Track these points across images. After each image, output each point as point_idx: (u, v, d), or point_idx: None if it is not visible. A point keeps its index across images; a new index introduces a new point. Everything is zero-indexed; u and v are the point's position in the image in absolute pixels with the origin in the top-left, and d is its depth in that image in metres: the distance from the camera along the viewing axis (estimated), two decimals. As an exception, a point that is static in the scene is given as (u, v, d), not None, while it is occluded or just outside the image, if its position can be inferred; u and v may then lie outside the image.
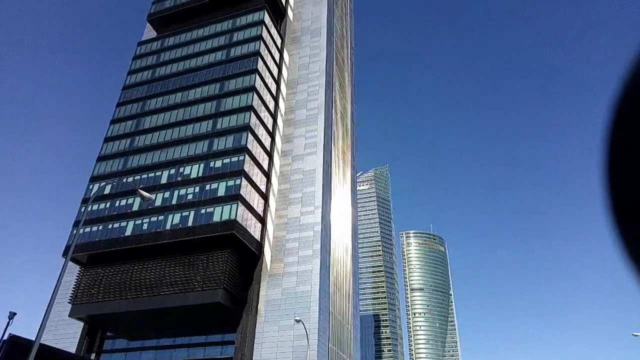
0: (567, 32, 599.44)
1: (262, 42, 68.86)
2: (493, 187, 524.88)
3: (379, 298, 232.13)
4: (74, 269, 58.77)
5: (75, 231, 58.31)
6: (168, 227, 55.52)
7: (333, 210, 66.51)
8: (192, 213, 55.55)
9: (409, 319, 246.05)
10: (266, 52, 69.94)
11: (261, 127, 64.39)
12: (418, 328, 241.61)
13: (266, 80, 68.32)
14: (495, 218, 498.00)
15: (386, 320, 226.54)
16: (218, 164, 58.79)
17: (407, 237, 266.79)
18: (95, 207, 60.41)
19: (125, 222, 57.91)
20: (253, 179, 59.43)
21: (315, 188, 62.04)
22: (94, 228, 58.88)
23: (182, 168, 60.05)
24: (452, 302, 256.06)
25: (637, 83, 1.57)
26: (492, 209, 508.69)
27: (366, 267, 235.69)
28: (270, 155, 65.66)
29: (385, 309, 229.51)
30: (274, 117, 69.16)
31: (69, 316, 56.29)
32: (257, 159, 61.53)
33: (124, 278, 55.68)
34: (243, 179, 56.69)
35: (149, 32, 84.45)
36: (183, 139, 62.88)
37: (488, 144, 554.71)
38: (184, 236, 54.20)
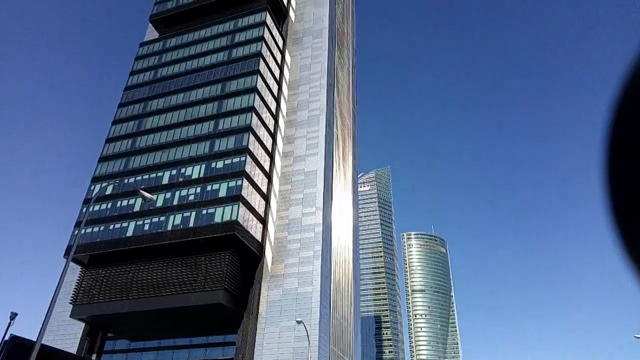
0: (567, 32, 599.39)
1: (264, 43, 68.93)
2: (494, 188, 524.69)
3: (380, 299, 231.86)
4: (75, 270, 58.85)
5: (76, 231, 58.38)
6: (169, 227, 55.56)
7: (334, 212, 66.50)
8: (194, 214, 55.58)
9: (410, 320, 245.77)
10: (268, 53, 70.02)
11: (263, 128, 64.43)
12: (419, 329, 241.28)
13: (268, 81, 68.38)
14: (496, 219, 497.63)
15: (387, 322, 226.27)
16: (219, 164, 58.84)
17: (408, 238, 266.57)
18: (96, 207, 60.48)
19: (127, 223, 57.96)
20: (254, 179, 59.45)
21: (316, 189, 62.03)
22: (96, 228, 58.95)
23: (184, 169, 60.10)
24: (453, 304, 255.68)
25: (637, 83, 1.56)
26: (493, 209, 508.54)
27: (367, 269, 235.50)
28: (271, 156, 65.68)
29: (386, 310, 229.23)
30: (275, 118, 69.21)
31: (70, 317, 56.34)
32: (259, 160, 61.56)
33: (125, 279, 55.73)
34: (244, 179, 56.72)
35: (151, 33, 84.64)
36: (185, 140, 62.95)
37: (489, 144, 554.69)
38: (185, 237, 54.23)
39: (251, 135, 60.42)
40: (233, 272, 53.40)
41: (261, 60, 67.15)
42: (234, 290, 53.14)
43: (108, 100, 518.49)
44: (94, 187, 62.66)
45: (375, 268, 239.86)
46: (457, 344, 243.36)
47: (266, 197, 62.12)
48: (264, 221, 60.14)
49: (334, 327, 57.81)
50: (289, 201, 62.61)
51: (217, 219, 54.14)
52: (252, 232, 56.44)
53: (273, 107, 69.15)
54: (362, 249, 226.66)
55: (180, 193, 58.11)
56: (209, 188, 57.19)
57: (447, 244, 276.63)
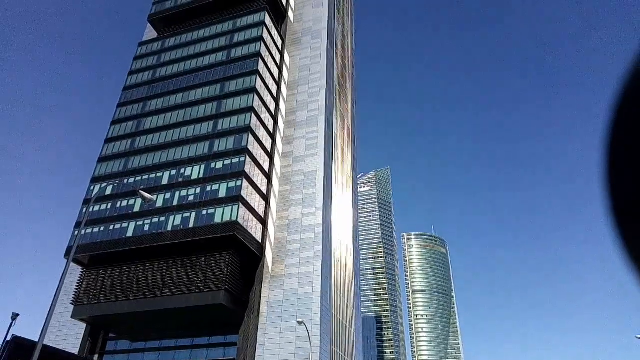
0: (567, 32, 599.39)
1: (262, 43, 68.91)
2: (494, 188, 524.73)
3: (380, 300, 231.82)
4: (75, 270, 58.82)
5: (77, 232, 58.36)
6: (169, 228, 55.55)
7: (334, 212, 66.48)
8: (193, 214, 55.57)
9: (411, 320, 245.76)
10: (267, 53, 70.00)
11: (262, 129, 64.42)
12: (420, 330, 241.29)
13: (267, 82, 68.37)
14: (497, 219, 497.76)
15: (388, 322, 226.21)
16: (219, 165, 58.83)
17: (408, 238, 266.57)
18: (96, 208, 60.46)
19: (127, 223, 57.95)
20: (254, 180, 59.44)
21: (316, 189, 62.01)
22: (96, 229, 58.94)
23: (183, 169, 60.09)
24: (454, 304, 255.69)
25: (637, 83, 1.57)
26: (493, 210, 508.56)
27: (367, 269, 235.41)
28: (271, 156, 65.67)
29: (387, 310, 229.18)
30: (274, 118, 69.20)
31: (72, 317, 56.34)
32: (258, 160, 61.55)
33: (125, 279, 55.72)
34: (244, 180, 56.71)
35: (150, 33, 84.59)
36: (184, 140, 62.94)
37: (489, 144, 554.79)
38: (185, 237, 54.22)
39: (250, 135, 60.40)
40: (233, 272, 53.39)
41: (260, 61, 67.13)
42: (235, 291, 53.13)
43: (107, 100, 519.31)
44: (94, 188, 62.63)
45: (376, 269, 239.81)
46: (459, 344, 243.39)
47: (266, 198, 62.11)
48: (264, 222, 60.14)
49: (334, 327, 57.80)
50: (289, 202, 62.59)
51: (217, 219, 54.12)
52: (252, 232, 56.43)
53: (272, 107, 69.14)
54: (363, 249, 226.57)
55: (180, 193, 58.10)
56: (208, 188, 57.17)
57: (448, 245, 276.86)
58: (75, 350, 55.64)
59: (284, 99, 72.68)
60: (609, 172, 1.65)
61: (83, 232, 57.80)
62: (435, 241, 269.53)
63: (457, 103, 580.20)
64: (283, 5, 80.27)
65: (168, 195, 58.32)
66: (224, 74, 67.58)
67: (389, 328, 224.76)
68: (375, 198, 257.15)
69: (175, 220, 56.00)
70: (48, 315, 18.20)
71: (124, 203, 59.90)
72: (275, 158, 66.15)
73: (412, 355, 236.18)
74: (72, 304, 56.36)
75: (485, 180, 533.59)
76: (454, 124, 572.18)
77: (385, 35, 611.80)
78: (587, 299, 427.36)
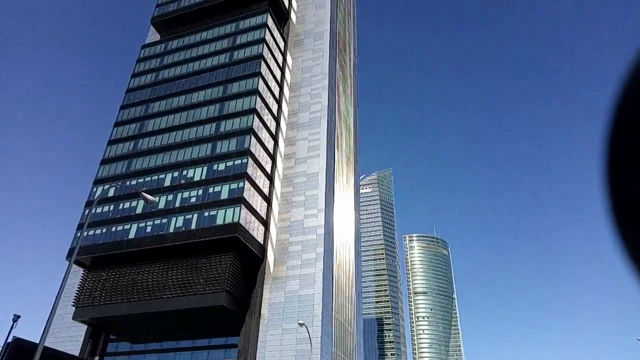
0: (567, 32, 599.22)
1: (265, 45, 69.04)
2: (496, 190, 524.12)
3: (382, 301, 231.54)
4: (77, 272, 58.89)
5: (79, 234, 58.47)
6: (171, 229, 55.59)
7: (336, 214, 66.44)
8: (195, 216, 55.61)
9: (413, 322, 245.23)
10: (269, 55, 70.11)
11: (264, 130, 64.48)
12: (421, 332, 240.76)
13: (269, 83, 68.47)
14: (499, 221, 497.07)
15: (389, 324, 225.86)
16: (221, 166, 58.88)
17: (410, 240, 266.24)
18: (99, 209, 60.56)
19: (129, 225, 58.01)
20: (256, 181, 59.48)
21: (318, 191, 62.01)
22: (98, 231, 59.01)
23: (186, 171, 60.17)
24: (455, 306, 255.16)
25: (637, 83, 1.57)
26: (494, 211, 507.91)
27: (369, 271, 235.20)
28: (273, 158, 65.72)
29: (388, 312, 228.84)
30: (277, 120, 69.26)
31: (73, 319, 56.34)
32: (260, 162, 61.59)
33: (127, 281, 55.74)
34: (246, 182, 56.74)
35: (153, 35, 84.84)
36: (186, 142, 63.05)
37: (490, 145, 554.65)
38: (187, 239, 54.23)
39: (253, 137, 60.47)
40: (235, 274, 53.37)
41: (262, 63, 67.25)
42: (236, 293, 53.11)
43: (108, 101, 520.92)
44: (96, 190, 62.74)
45: (377, 270, 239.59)
46: (460, 346, 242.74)
47: (268, 199, 62.13)
48: (265, 223, 60.15)
49: (336, 329, 57.71)
50: (291, 203, 62.59)
51: (219, 221, 54.15)
52: (253, 234, 56.44)
53: (274, 109, 69.21)
54: (364, 251, 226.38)
55: (182, 195, 58.16)
56: (210, 190, 57.23)
57: (450, 246, 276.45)
58: (75, 352, 55.67)
59: (286, 100, 72.76)
60: (609, 172, 1.64)
61: (85, 234, 57.88)
62: (437, 243, 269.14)
63: (457, 103, 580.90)
64: (285, 7, 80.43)
65: (170, 197, 58.39)
66: (226, 76, 67.70)
67: (390, 329, 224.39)
68: (377, 199, 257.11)
69: (178, 222, 56.05)
70: (49, 316, 18.22)
71: (127, 205, 59.99)
72: (277, 160, 66.20)
73: (413, 357, 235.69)
74: (73, 305, 56.38)
75: (486, 180, 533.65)
76: (456, 125, 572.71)
77: (387, 36, 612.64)
78: (587, 299, 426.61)
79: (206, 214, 55.32)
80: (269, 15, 72.51)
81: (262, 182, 61.35)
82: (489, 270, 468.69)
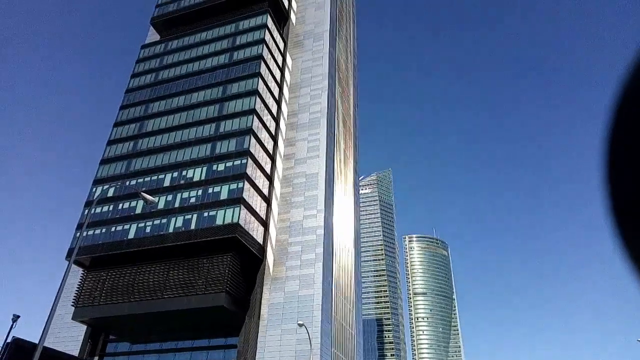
0: (567, 32, 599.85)
1: (265, 46, 69.07)
2: (495, 190, 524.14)
3: (381, 302, 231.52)
4: (76, 272, 58.88)
5: (78, 234, 58.43)
6: (171, 230, 55.58)
7: (335, 214, 66.44)
8: (195, 216, 55.60)
9: (412, 323, 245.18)
10: (269, 55, 70.14)
11: (264, 131, 64.49)
12: (421, 332, 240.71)
13: (269, 84, 68.49)
14: (499, 221, 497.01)
15: (389, 325, 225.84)
16: (221, 167, 58.89)
17: (409, 241, 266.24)
18: (98, 209, 60.56)
19: (129, 225, 58.00)
20: (256, 182, 59.48)
21: (317, 191, 62.02)
22: (97, 231, 59.01)
23: (185, 171, 60.17)
24: (455, 307, 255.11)
25: (637, 83, 1.57)
26: (494, 212, 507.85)
27: (369, 271, 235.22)
28: (272, 158, 65.73)
29: (388, 313, 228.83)
30: (276, 120, 69.27)
31: (72, 319, 56.32)
32: (260, 162, 61.60)
33: (126, 281, 55.73)
34: (246, 182, 56.75)
35: (152, 35, 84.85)
36: (186, 142, 63.05)
37: (490, 146, 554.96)
38: (187, 239, 54.23)
39: (252, 137, 60.48)
40: (234, 274, 53.36)
41: (262, 63, 67.27)
42: (236, 293, 53.10)
43: (108, 101, 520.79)
44: (96, 190, 62.73)
45: (377, 271, 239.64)
46: (459, 346, 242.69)
47: (267, 200, 62.14)
48: (265, 224, 60.15)
49: (335, 330, 57.70)
50: (290, 204, 62.60)
51: (219, 221, 54.16)
52: (253, 234, 56.44)
53: (274, 109, 69.22)
54: (364, 251, 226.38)
55: (181, 195, 58.17)
56: (210, 190, 57.23)
57: (449, 247, 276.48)
58: (75, 352, 55.62)
59: (286, 101, 72.78)
60: (609, 172, 1.65)
61: (85, 234, 57.89)
62: (437, 243, 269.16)
63: (457, 103, 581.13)
64: (285, 8, 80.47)
65: (170, 197, 58.40)
66: (226, 76, 67.73)
67: (389, 330, 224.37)
68: (376, 200, 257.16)
69: (177, 222, 56.05)
70: (49, 317, 18.20)
71: (126, 205, 59.99)
72: (277, 160, 66.21)
73: (413, 358, 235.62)
74: (73, 305, 56.37)
75: (486, 180, 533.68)
76: (456, 125, 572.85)
77: (387, 36, 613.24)
78: (587, 299, 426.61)
79: (206, 214, 55.32)
80: (268, 16, 72.55)
81: (262, 183, 61.35)
82: (488, 270, 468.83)
